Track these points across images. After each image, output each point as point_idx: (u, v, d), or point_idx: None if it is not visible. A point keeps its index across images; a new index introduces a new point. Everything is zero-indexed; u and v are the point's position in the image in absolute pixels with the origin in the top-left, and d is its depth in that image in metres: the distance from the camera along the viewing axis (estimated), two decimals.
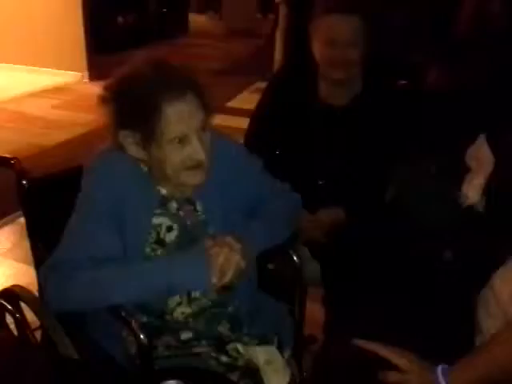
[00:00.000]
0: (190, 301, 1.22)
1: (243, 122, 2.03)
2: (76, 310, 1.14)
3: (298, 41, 2.69)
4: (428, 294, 1.31)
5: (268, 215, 1.30)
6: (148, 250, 1.20)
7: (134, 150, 1.15)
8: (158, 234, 1.21)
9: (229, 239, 1.14)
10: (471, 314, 1.24)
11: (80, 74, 5.83)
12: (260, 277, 1.37)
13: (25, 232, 1.34)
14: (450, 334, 1.21)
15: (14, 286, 1.29)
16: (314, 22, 1.68)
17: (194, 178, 1.17)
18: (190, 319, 1.23)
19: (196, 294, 1.22)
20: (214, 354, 1.21)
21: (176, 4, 9.33)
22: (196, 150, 1.12)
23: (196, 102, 1.11)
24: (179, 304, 1.21)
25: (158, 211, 1.21)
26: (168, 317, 1.21)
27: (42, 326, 1.25)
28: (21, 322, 1.23)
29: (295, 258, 1.36)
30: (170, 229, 1.22)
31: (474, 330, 1.20)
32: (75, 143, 4.21)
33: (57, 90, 5.61)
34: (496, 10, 2.89)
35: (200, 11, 10.75)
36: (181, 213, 1.24)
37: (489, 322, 1.17)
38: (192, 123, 1.11)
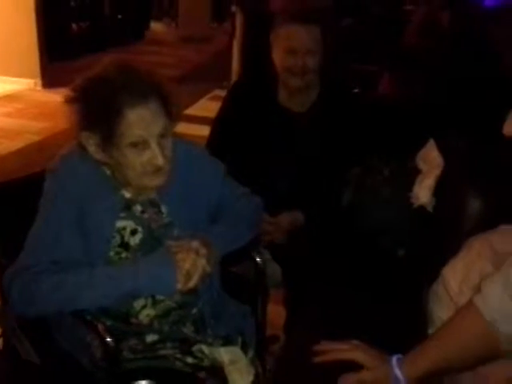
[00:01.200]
0: (155, 303, 1.23)
1: (202, 130, 2.05)
2: (41, 314, 1.14)
3: (256, 49, 2.75)
4: (384, 289, 1.37)
5: (230, 218, 1.33)
6: (112, 253, 1.20)
7: (94, 151, 1.14)
8: (123, 237, 1.21)
9: (195, 244, 1.17)
10: (424, 307, 1.30)
11: (33, 81, 5.69)
12: (223, 279, 1.40)
13: None
14: (405, 326, 1.26)
15: None
16: (274, 31, 1.74)
17: (154, 181, 1.18)
18: (155, 321, 1.24)
19: (160, 296, 1.23)
20: (179, 356, 1.23)
21: (132, 11, 9.26)
22: (155, 155, 1.13)
23: (158, 108, 1.12)
24: (144, 307, 1.22)
25: (122, 214, 1.22)
26: (133, 320, 1.22)
27: (3, 332, 1.24)
28: None
29: (258, 260, 1.40)
30: (134, 232, 1.22)
31: (427, 323, 1.27)
32: (28, 152, 4.09)
33: (9, 97, 5.45)
34: (445, 22, 3.05)
35: (156, 19, 10.70)
36: (145, 215, 1.25)
37: (440, 313, 1.23)
38: (152, 129, 1.12)
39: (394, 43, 3.84)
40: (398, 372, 0.98)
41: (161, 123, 1.13)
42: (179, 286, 1.13)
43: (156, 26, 10.30)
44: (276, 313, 1.75)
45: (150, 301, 1.22)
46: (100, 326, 1.10)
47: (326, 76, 1.80)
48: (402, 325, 1.28)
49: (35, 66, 5.66)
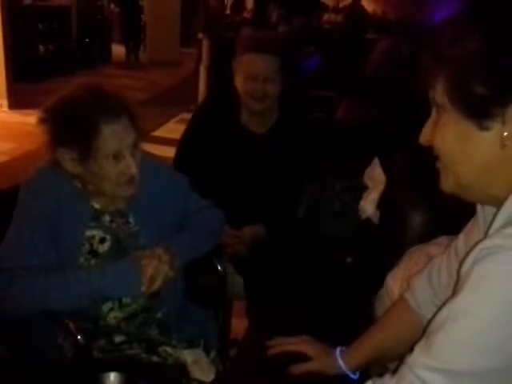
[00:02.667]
0: (122, 306, 1.33)
1: (169, 151, 2.14)
2: (15, 314, 1.22)
3: (221, 73, 2.89)
4: (334, 294, 1.50)
5: (193, 228, 1.45)
6: (82, 259, 1.30)
7: (70, 166, 1.24)
8: (92, 245, 1.32)
9: (158, 251, 1.28)
10: (371, 310, 1.43)
11: None
12: (188, 287, 1.51)
13: None
14: (353, 327, 1.38)
15: None
16: (236, 59, 1.88)
17: (127, 191, 1.29)
18: (122, 323, 1.34)
19: (127, 300, 1.33)
20: (144, 355, 1.33)
21: (99, 34, 9.33)
22: (129, 164, 1.25)
23: (129, 123, 1.24)
24: (111, 309, 1.32)
25: (91, 224, 1.32)
26: (101, 322, 1.32)
27: None
28: None
29: (219, 267, 1.52)
30: (103, 240, 1.33)
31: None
32: None
33: None
34: (406, 55, 3.25)
35: (123, 42, 10.78)
36: (113, 225, 1.35)
37: None
38: (125, 141, 1.23)
39: (354, 71, 4.05)
40: (340, 362, 1.10)
41: (132, 136, 1.25)
42: (143, 288, 1.24)
43: (122, 50, 10.38)
44: (240, 325, 1.82)
45: (117, 304, 1.32)
46: (71, 325, 1.18)
47: (285, 100, 1.95)
48: (350, 326, 1.39)
49: (1, 86, 5.66)
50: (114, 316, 1.33)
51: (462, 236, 0.97)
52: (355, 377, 1.10)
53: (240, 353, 1.29)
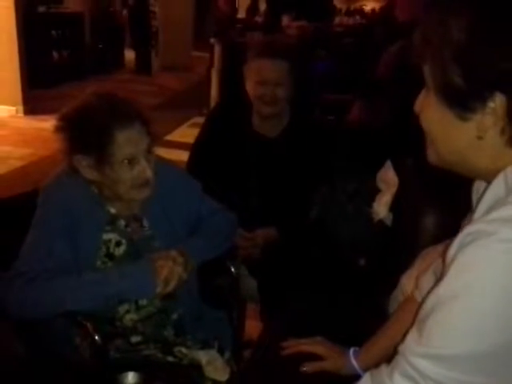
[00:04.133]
0: (138, 308, 1.36)
1: (182, 155, 2.17)
2: (34, 315, 1.24)
3: (232, 78, 2.92)
4: (347, 296, 1.50)
5: (206, 231, 1.47)
6: (99, 262, 1.34)
7: (87, 172, 1.28)
8: (108, 248, 1.35)
9: (173, 253, 1.31)
10: (385, 313, 1.43)
11: (14, 108, 5.78)
12: (203, 290, 1.53)
13: None
14: (366, 330, 1.39)
15: None
16: (247, 64, 1.91)
17: (142, 194, 1.33)
18: (139, 324, 1.36)
19: (143, 302, 1.36)
20: (160, 355, 1.35)
21: (112, 40, 9.43)
22: (144, 168, 1.28)
23: (142, 128, 1.28)
24: (128, 311, 1.35)
25: (107, 228, 1.36)
26: (118, 323, 1.35)
27: None
28: None
29: (232, 270, 1.53)
30: (118, 244, 1.36)
31: None
32: (11, 177, 4.15)
33: None
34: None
35: (135, 47, 10.88)
36: (128, 229, 1.39)
37: None
38: (139, 146, 1.27)
39: (366, 74, 4.06)
40: (354, 362, 1.11)
41: (146, 141, 1.29)
42: (158, 289, 1.27)
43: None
44: (254, 327, 1.83)
45: (133, 306, 1.35)
46: (89, 326, 1.21)
47: (296, 104, 1.97)
48: (363, 327, 1.40)
49: (17, 93, 5.75)
50: (130, 318, 1.35)
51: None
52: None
53: (254, 354, 1.30)
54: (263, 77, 1.84)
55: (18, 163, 4.39)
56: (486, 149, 0.75)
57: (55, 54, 7.59)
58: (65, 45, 7.77)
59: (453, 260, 0.71)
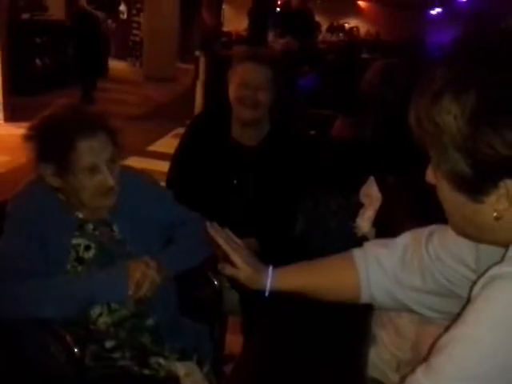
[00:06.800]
0: (111, 312, 1.36)
1: (164, 165, 2.15)
2: (6, 318, 1.25)
3: (217, 90, 2.93)
4: (332, 310, 1.50)
5: (181, 238, 1.49)
6: (69, 266, 1.36)
7: (52, 179, 1.32)
8: (78, 252, 1.38)
9: (145, 258, 1.34)
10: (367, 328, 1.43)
11: None
12: (183, 301, 1.51)
13: None
14: (349, 344, 1.38)
15: None
16: (231, 69, 1.94)
17: (105, 201, 1.37)
18: (112, 328, 1.36)
19: (116, 305, 1.36)
20: (136, 368, 1.34)
21: (95, 48, 9.37)
22: (106, 177, 1.32)
23: (105, 138, 1.32)
24: (101, 314, 1.36)
25: (76, 233, 1.38)
26: (92, 326, 1.35)
27: None
28: None
29: (215, 282, 1.52)
30: (87, 248, 1.39)
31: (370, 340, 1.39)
32: None
33: None
34: (400, 76, 3.31)
35: (120, 58, 10.88)
36: (96, 232, 1.41)
37: (381, 333, 1.36)
38: (102, 156, 1.31)
39: (348, 90, 4.10)
40: (267, 279, 1.10)
41: (109, 150, 1.33)
42: (130, 292, 1.28)
43: (119, 65, 10.47)
44: (235, 341, 1.82)
45: (105, 309, 1.36)
46: (68, 338, 1.19)
47: (276, 115, 1.98)
48: (346, 341, 1.40)
49: None
50: (103, 321, 1.36)
51: (437, 233, 0.99)
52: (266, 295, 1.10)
53: (235, 369, 1.29)
54: (245, 79, 1.87)
55: None
56: (506, 227, 0.73)
57: (38, 62, 7.54)
58: (48, 52, 7.72)
59: (474, 298, 0.71)
